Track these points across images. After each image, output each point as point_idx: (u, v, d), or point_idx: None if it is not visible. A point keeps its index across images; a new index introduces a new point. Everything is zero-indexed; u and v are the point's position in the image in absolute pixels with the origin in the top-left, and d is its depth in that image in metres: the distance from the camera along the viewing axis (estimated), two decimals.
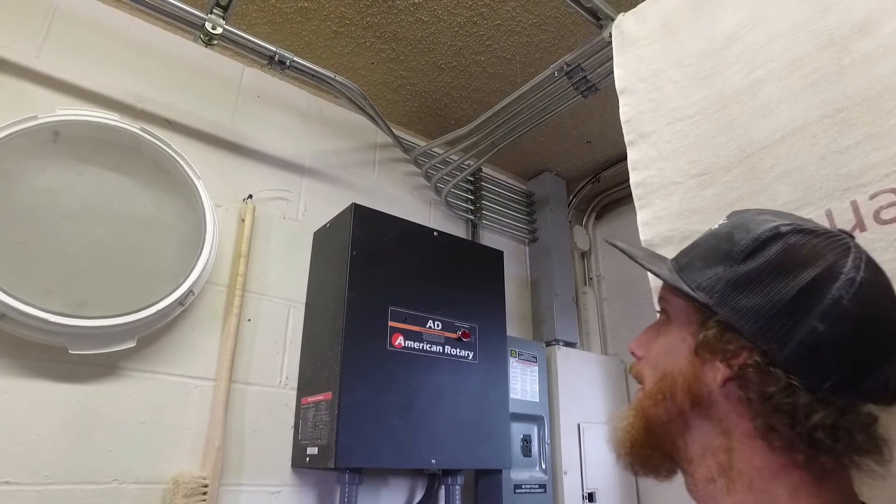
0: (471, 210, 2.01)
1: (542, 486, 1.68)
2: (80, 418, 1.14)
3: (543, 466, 1.71)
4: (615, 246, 0.70)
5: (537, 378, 1.76)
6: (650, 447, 0.60)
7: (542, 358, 1.81)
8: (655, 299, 0.69)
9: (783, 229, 0.54)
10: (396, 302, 1.36)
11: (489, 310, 1.56)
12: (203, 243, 1.28)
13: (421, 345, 1.36)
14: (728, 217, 0.63)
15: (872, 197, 0.76)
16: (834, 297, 0.50)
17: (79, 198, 1.18)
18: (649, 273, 0.68)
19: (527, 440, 1.69)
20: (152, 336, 1.24)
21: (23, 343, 1.08)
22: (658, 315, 0.67)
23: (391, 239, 1.43)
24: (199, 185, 1.32)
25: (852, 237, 0.55)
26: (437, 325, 1.41)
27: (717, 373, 0.54)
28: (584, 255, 2.35)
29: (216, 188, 1.38)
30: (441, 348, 1.40)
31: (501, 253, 1.68)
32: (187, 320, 1.30)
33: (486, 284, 1.59)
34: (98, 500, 1.12)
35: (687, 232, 0.98)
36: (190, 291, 1.24)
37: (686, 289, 0.57)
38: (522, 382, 1.72)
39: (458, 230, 1.95)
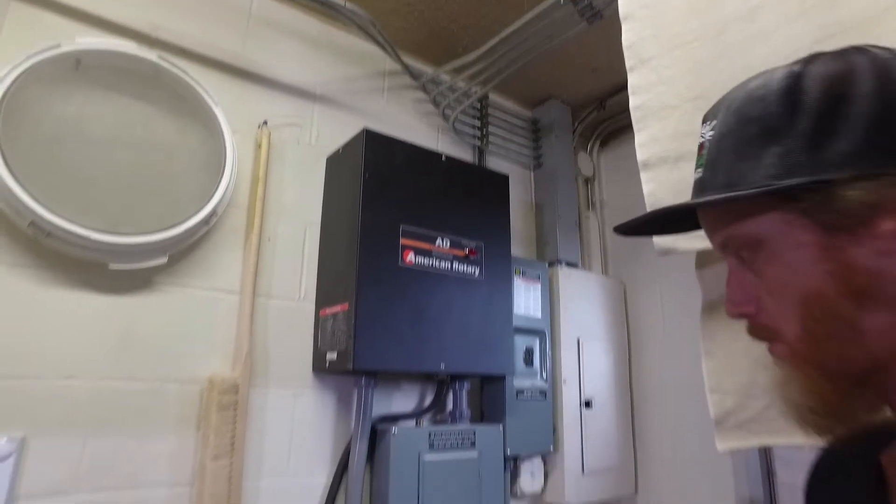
0: (477, 136, 2.06)
1: (543, 393, 1.82)
2: (123, 326, 1.26)
3: (544, 376, 1.85)
4: (626, 230, 0.60)
5: (540, 295, 1.87)
6: (839, 394, 0.46)
7: (545, 277, 1.91)
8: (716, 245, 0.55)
9: (791, 68, 0.48)
10: (407, 221, 1.45)
11: (495, 230, 1.64)
12: (224, 167, 1.36)
13: (430, 261, 1.46)
14: (707, 122, 0.55)
15: None
16: None
17: (104, 125, 1.24)
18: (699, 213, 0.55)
19: (529, 352, 1.82)
20: (182, 253, 1.35)
21: (68, 260, 1.19)
22: (733, 265, 0.52)
23: (401, 162, 1.51)
24: (218, 111, 1.38)
25: (856, 46, 0.49)
26: (446, 244, 1.51)
27: (875, 240, 0.43)
28: (588, 181, 2.41)
29: (231, 115, 1.44)
30: (449, 265, 1.50)
31: (507, 177, 1.75)
32: (212, 239, 1.40)
33: (492, 206, 1.67)
34: (145, 396, 1.26)
35: (681, 152, 1.04)
36: (214, 212, 1.33)
37: (764, 189, 0.46)
38: (526, 299, 1.83)
39: (465, 155, 2.01)
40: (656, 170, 1.05)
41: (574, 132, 2.33)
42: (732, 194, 0.48)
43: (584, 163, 2.37)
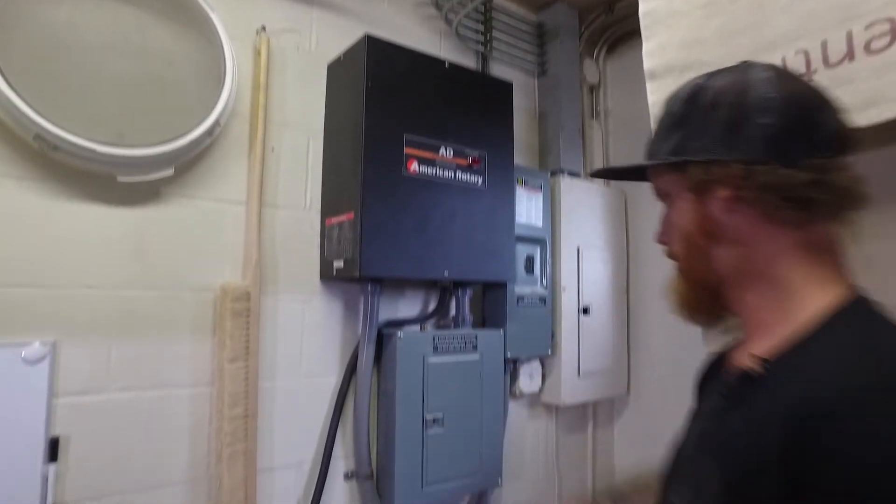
0: (481, 41, 2.00)
1: (543, 299, 1.89)
2: (135, 237, 1.30)
3: (544, 283, 1.91)
4: (600, 175, 0.87)
5: (541, 204, 1.90)
6: (700, 300, 0.71)
7: (547, 186, 1.93)
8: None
9: (697, 81, 0.69)
10: (411, 130, 1.45)
11: (498, 139, 1.64)
12: (224, 76, 1.34)
13: (434, 170, 1.47)
14: (667, 102, 0.73)
15: (868, 27, 0.80)
16: (762, 95, 0.63)
17: (98, 32, 1.21)
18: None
19: (530, 260, 1.87)
20: (187, 164, 1.35)
21: (77, 173, 1.21)
22: (662, 208, 0.75)
23: (404, 70, 1.48)
24: (214, 16, 1.34)
25: (749, 61, 0.69)
26: (449, 153, 1.51)
27: (720, 201, 0.65)
28: (593, 89, 2.35)
29: (228, 20, 1.39)
30: (453, 174, 1.51)
31: (511, 84, 1.72)
32: (217, 150, 1.41)
33: (496, 115, 1.66)
34: (161, 303, 1.32)
35: (688, 62, 1.03)
36: (217, 123, 1.33)
37: (665, 161, 0.70)
38: (528, 208, 1.85)
39: (468, 62, 1.96)
40: (662, 80, 1.04)
41: (580, 37, 2.25)
42: (649, 162, 0.73)
43: (590, 69, 2.31)
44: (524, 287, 1.84)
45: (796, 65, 0.85)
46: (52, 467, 1.17)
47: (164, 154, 1.23)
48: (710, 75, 0.69)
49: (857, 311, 0.61)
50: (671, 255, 0.74)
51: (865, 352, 0.56)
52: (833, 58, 0.80)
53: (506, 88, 1.71)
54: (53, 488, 1.17)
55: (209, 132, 1.32)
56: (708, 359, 0.82)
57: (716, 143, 0.64)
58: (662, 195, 0.74)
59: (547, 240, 1.91)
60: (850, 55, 0.81)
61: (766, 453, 0.54)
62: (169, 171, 1.28)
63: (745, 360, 0.64)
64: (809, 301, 0.62)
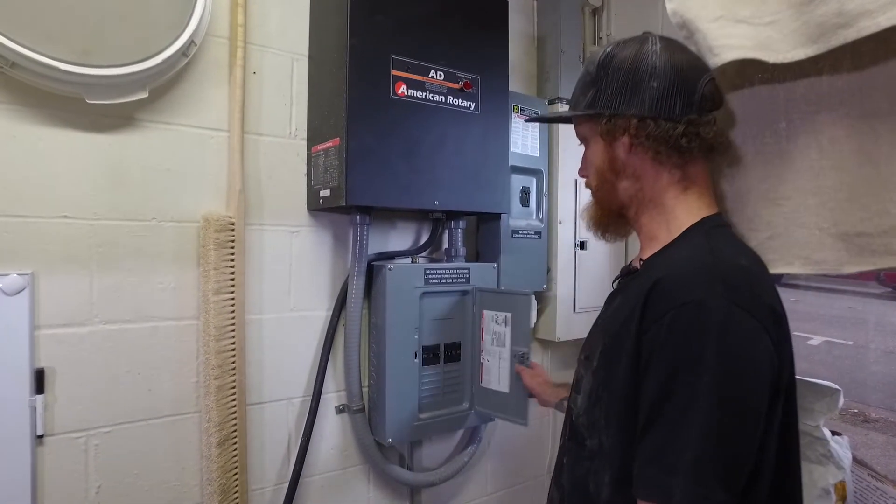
0: None
1: (538, 233, 1.84)
2: (111, 165, 1.24)
3: (540, 216, 1.85)
4: (535, 120, 1.11)
5: (538, 134, 1.82)
6: (608, 218, 0.95)
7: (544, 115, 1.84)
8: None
9: (607, 50, 0.88)
10: (398, 51, 1.36)
11: (492, 61, 1.55)
12: None
13: (424, 94, 1.40)
14: (587, 61, 0.93)
15: None
16: (651, 64, 0.84)
17: None
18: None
19: (525, 192, 1.81)
20: (163, 88, 1.28)
21: (43, 93, 1.13)
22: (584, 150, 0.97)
23: None
24: None
25: (650, 33, 0.88)
26: (440, 76, 1.43)
27: (622, 146, 0.87)
28: (596, 12, 2.22)
29: None
30: (443, 98, 1.43)
31: (506, 2, 1.61)
32: (193, 73, 1.33)
33: (489, 35, 1.56)
34: (143, 234, 1.27)
35: None
36: (191, 41, 1.24)
37: (583, 113, 0.91)
38: (523, 137, 1.78)
39: None
40: None
41: None
42: (570, 114, 0.95)
43: None
44: (519, 220, 1.79)
45: None
46: (39, 399, 1.16)
47: (136, 74, 1.15)
48: (617, 44, 0.88)
49: (705, 227, 0.85)
50: (588, 186, 0.96)
51: (696, 250, 0.80)
52: None
53: (501, 6, 1.60)
54: (42, 419, 1.16)
55: (184, 52, 1.24)
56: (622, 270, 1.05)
57: (618, 101, 0.86)
58: (582, 138, 0.96)
59: (543, 171, 1.84)
60: None
61: (628, 318, 0.77)
62: (142, 94, 1.21)
63: (636, 263, 0.92)
64: (682, 221, 0.86)
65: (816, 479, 1.18)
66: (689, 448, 0.67)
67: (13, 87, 1.12)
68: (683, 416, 0.68)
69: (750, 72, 0.97)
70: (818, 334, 6.71)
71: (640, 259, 0.91)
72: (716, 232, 0.84)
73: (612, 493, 0.78)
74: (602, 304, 0.99)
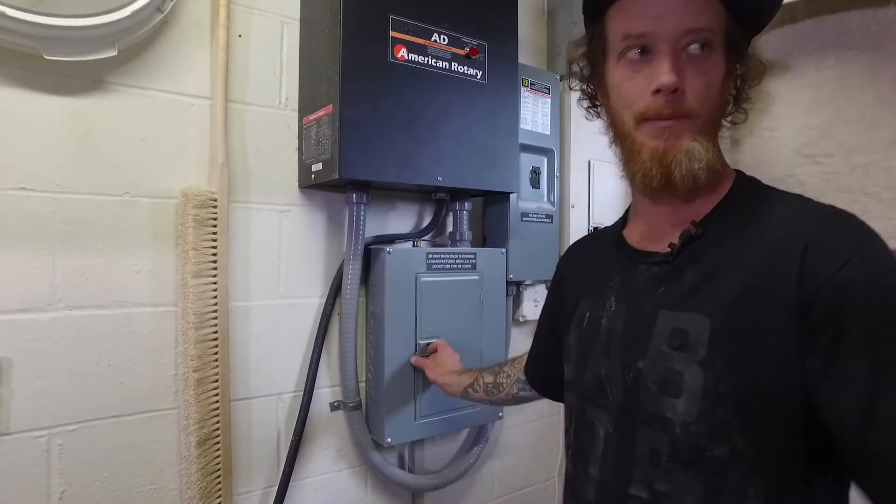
0: None
1: (549, 216, 1.71)
2: (77, 132, 1.11)
3: (551, 199, 1.72)
4: None
5: (549, 110, 1.69)
6: (717, 165, 0.69)
7: (556, 90, 1.71)
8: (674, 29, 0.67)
9: None
10: (398, 11, 1.23)
11: (500, 27, 1.41)
12: None
13: (426, 59, 1.26)
14: None
15: None
16: None
17: None
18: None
19: (536, 172, 1.68)
20: (135, 49, 1.15)
21: None
22: (687, 47, 0.67)
23: None
24: None
25: None
26: (444, 40, 1.29)
27: (734, 76, 0.71)
28: None
29: None
30: (448, 64, 1.30)
31: None
32: (171, 33, 1.20)
33: None
34: (114, 210, 1.14)
35: None
36: None
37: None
38: (534, 113, 1.65)
39: None
40: None
41: None
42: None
43: None
44: (529, 202, 1.66)
45: None
46: None
47: (100, 28, 1.02)
48: None
49: (749, 180, 0.73)
50: (682, 110, 0.66)
51: (797, 200, 0.67)
52: None
53: None
54: None
55: (158, 6, 1.11)
56: (578, 249, 0.96)
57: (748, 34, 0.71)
58: (703, 38, 0.66)
59: (555, 151, 1.71)
60: None
61: (759, 287, 0.61)
62: (111, 52, 1.08)
63: (675, 233, 0.71)
64: (719, 180, 0.71)
65: None
66: None
67: None
68: None
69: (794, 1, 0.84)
70: None
71: (691, 225, 0.70)
72: (764, 187, 0.72)
73: None
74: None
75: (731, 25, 0.67)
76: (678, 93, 0.65)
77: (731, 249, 0.65)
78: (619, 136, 0.73)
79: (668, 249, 0.70)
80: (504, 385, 1.15)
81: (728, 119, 0.75)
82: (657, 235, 0.74)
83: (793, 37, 0.88)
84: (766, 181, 0.73)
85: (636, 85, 0.67)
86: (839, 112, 0.84)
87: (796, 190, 0.83)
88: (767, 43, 0.90)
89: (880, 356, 0.54)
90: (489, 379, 1.18)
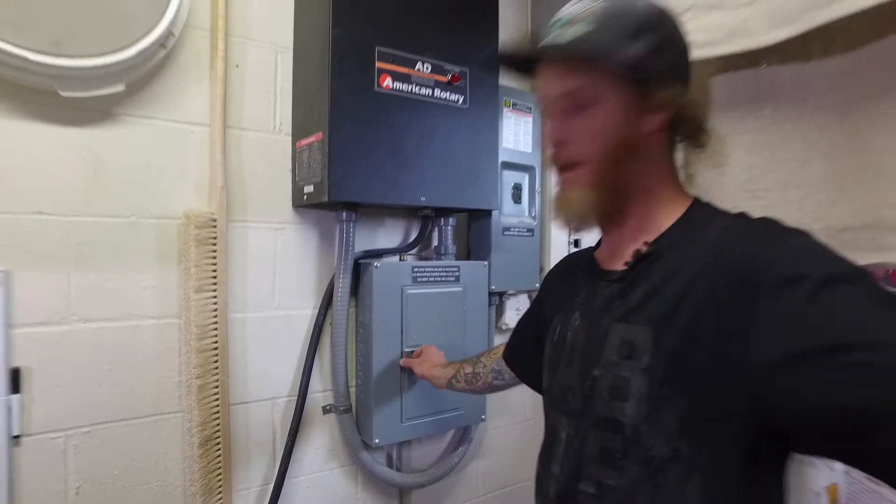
0: None
1: (531, 230, 1.81)
2: (88, 160, 1.21)
3: (532, 213, 1.82)
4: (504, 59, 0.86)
5: (531, 129, 1.79)
6: (605, 206, 0.77)
7: (537, 109, 1.81)
8: (551, 95, 0.77)
9: (656, 6, 0.73)
10: (384, 42, 1.33)
11: (481, 54, 1.51)
12: None
13: (410, 87, 1.36)
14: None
15: None
16: (685, 42, 0.74)
17: None
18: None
19: (517, 188, 1.78)
20: (141, 82, 1.25)
21: (14, 86, 1.11)
22: (561, 107, 0.76)
23: None
24: None
25: None
26: (427, 68, 1.39)
27: (651, 123, 0.73)
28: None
29: None
30: (431, 91, 1.40)
31: None
32: (173, 66, 1.30)
33: (479, 27, 1.52)
34: (122, 231, 1.25)
35: None
36: (169, 32, 1.21)
37: (626, 60, 0.70)
38: (515, 132, 1.75)
39: None
40: None
41: None
42: (604, 60, 0.72)
43: None
44: (511, 217, 1.76)
45: None
46: (15, 398, 1.13)
47: (109, 66, 1.13)
48: (662, 8, 0.74)
49: (705, 206, 0.77)
50: (568, 160, 0.76)
51: (732, 217, 0.72)
52: None
53: None
54: (18, 419, 1.14)
55: (161, 43, 1.21)
56: (558, 268, 1.02)
57: (669, 73, 0.72)
58: (577, 97, 0.74)
59: (536, 167, 1.81)
60: None
61: (689, 296, 0.66)
62: (119, 87, 1.18)
63: (629, 253, 0.77)
64: (671, 208, 0.76)
65: (809, 481, 1.14)
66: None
67: None
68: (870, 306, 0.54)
69: (734, 55, 0.94)
70: None
71: (643, 244, 0.75)
72: (714, 208, 0.77)
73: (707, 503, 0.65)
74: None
75: (624, 75, 0.72)
76: (563, 145, 0.75)
77: (672, 265, 0.70)
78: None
79: (624, 268, 0.77)
80: (481, 374, 1.26)
81: (680, 141, 0.80)
82: (618, 256, 0.80)
83: (735, 84, 0.98)
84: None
85: (544, 139, 0.80)
86: (775, 153, 0.93)
87: None
88: (714, 88, 1.00)
89: (826, 327, 0.54)
90: (469, 369, 1.29)
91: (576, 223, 0.79)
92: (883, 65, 0.80)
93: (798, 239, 0.62)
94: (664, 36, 0.72)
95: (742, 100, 0.96)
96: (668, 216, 0.76)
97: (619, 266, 0.78)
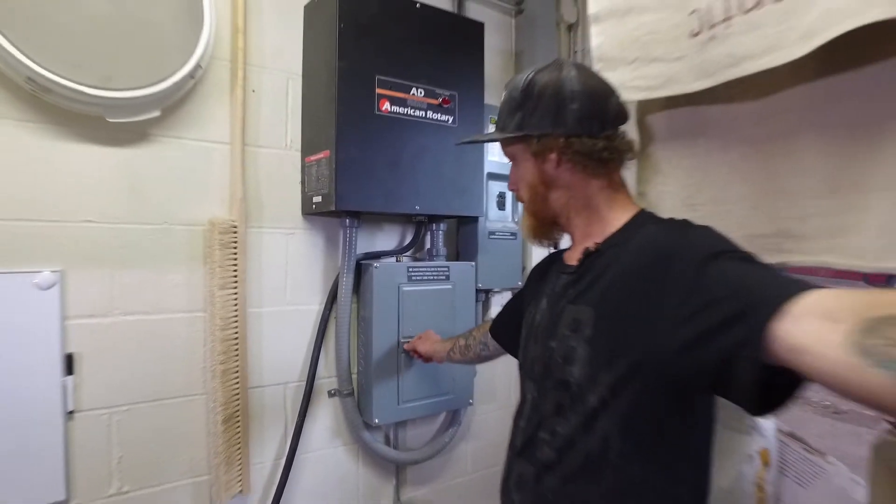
0: None
1: (514, 234, 2.01)
2: (128, 175, 1.40)
3: (515, 219, 2.02)
4: (467, 142, 1.21)
5: None
6: (544, 227, 1.04)
7: None
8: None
9: (528, 75, 0.96)
10: (383, 71, 1.53)
11: (469, 79, 1.72)
12: (203, 17, 1.40)
13: (406, 110, 1.57)
14: (505, 89, 1.02)
15: None
16: (571, 89, 0.93)
17: None
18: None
19: (502, 196, 1.98)
20: (173, 106, 1.45)
21: (70, 114, 1.30)
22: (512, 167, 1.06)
23: (376, 12, 1.54)
24: None
25: (564, 59, 0.98)
26: (420, 93, 1.60)
27: (551, 162, 0.96)
28: (571, 28, 2.39)
29: None
30: (424, 113, 1.60)
31: (482, 24, 1.78)
32: (199, 92, 1.49)
33: (467, 55, 1.73)
34: (156, 236, 1.44)
35: (629, 6, 1.12)
36: (198, 65, 1.41)
37: (513, 135, 0.98)
38: (500, 147, 1.94)
39: (444, 2, 2.00)
40: (605, 23, 1.13)
41: None
42: (501, 136, 1.02)
43: (567, 8, 2.34)
44: (496, 222, 1.96)
45: (719, 10, 0.95)
46: (69, 379, 1.33)
47: (150, 96, 1.32)
48: (536, 71, 0.96)
49: (646, 215, 0.97)
50: (519, 199, 1.06)
51: (663, 223, 0.92)
52: (749, 4, 0.90)
53: (477, 29, 1.77)
54: (72, 397, 1.33)
55: (191, 74, 1.40)
56: (539, 264, 1.20)
57: (545, 123, 0.94)
58: (511, 157, 1.05)
59: None
60: (759, 3, 0.90)
61: (624, 278, 0.86)
62: (156, 113, 1.38)
63: (580, 252, 0.98)
64: (620, 215, 0.97)
65: (744, 447, 1.35)
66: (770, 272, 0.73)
67: (46, 109, 1.28)
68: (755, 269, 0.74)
69: (677, 95, 1.15)
70: None
71: (593, 244, 0.96)
72: (654, 216, 0.97)
73: (623, 442, 0.84)
74: None
75: (516, 139, 0.99)
76: (515, 187, 1.06)
77: (612, 259, 0.91)
78: None
79: (577, 262, 0.98)
80: (472, 346, 1.48)
81: (602, 161, 0.99)
82: (576, 254, 1.01)
83: (675, 120, 1.19)
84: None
85: None
86: (707, 175, 1.14)
87: None
88: (657, 124, 1.21)
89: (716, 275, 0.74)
90: (462, 342, 1.51)
91: (533, 240, 1.07)
92: (786, 108, 1.01)
93: (700, 231, 0.84)
94: (534, 100, 0.95)
95: (682, 132, 1.17)
96: (615, 223, 0.97)
97: (575, 262, 0.99)
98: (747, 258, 0.76)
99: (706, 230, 0.84)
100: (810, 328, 0.61)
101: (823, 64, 0.90)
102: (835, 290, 0.63)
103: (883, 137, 0.83)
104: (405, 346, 1.69)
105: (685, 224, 0.88)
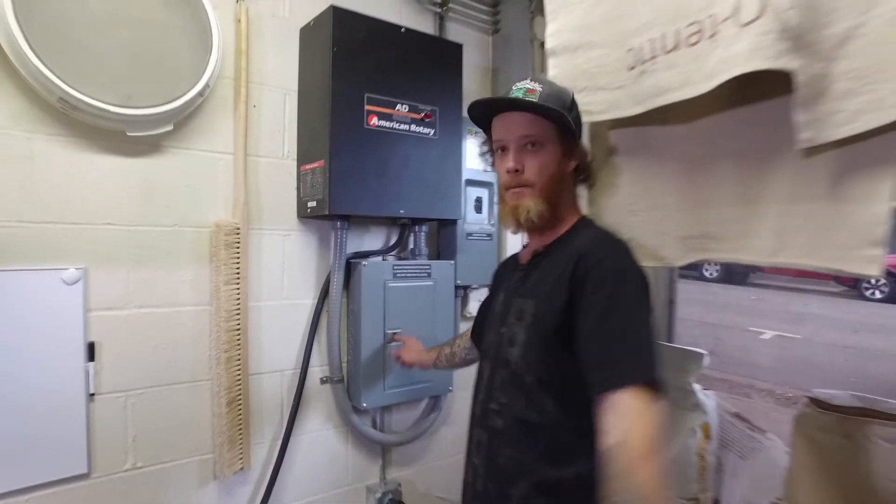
0: (438, 2, 2.21)
1: (490, 235, 2.20)
2: (143, 182, 1.57)
3: (492, 221, 2.21)
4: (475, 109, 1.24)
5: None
6: (551, 212, 1.12)
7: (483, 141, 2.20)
8: (516, 135, 1.13)
9: (570, 93, 1.15)
10: (371, 89, 1.71)
11: (448, 96, 1.90)
12: (211, 43, 1.57)
13: (391, 124, 1.75)
14: (539, 83, 1.11)
15: (688, 25, 1.08)
16: (579, 112, 1.17)
17: (101, 4, 1.42)
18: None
19: (479, 201, 2.17)
20: (183, 121, 1.61)
21: (94, 129, 1.47)
22: (526, 145, 1.12)
23: (365, 36, 1.72)
24: None
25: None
26: (405, 108, 1.78)
27: (571, 165, 1.14)
28: (544, 46, 2.59)
29: None
30: (408, 127, 1.79)
31: (461, 46, 1.96)
32: (207, 108, 1.66)
33: (447, 74, 1.91)
34: (168, 237, 1.61)
35: (579, 43, 1.31)
36: (207, 85, 1.58)
37: (571, 121, 1.09)
38: (477, 156, 2.13)
39: (427, 23, 2.18)
40: (560, 57, 1.32)
41: None
42: (567, 114, 1.09)
43: (541, 27, 2.52)
44: (473, 224, 2.15)
45: (647, 49, 1.14)
46: (91, 365, 1.49)
47: (165, 112, 1.49)
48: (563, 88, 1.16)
49: (586, 221, 1.16)
50: (522, 181, 1.11)
51: (598, 231, 1.11)
52: (669, 46, 1.09)
53: (456, 50, 1.95)
54: (93, 381, 1.49)
55: (201, 93, 1.57)
56: (502, 264, 1.38)
57: (579, 133, 1.15)
58: (537, 138, 1.10)
59: (494, 184, 2.20)
60: (676, 46, 1.09)
61: (559, 278, 1.04)
62: (169, 127, 1.55)
63: (531, 252, 1.17)
64: (572, 219, 1.16)
65: (688, 422, 1.55)
66: (639, 335, 0.95)
67: (73, 125, 1.45)
68: (629, 315, 0.97)
69: (621, 118, 1.34)
70: (772, 329, 7.21)
71: (542, 246, 1.16)
72: (593, 223, 1.18)
73: (558, 411, 1.04)
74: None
75: (561, 132, 1.10)
76: (519, 172, 1.10)
77: (554, 260, 1.10)
78: (499, 197, 1.23)
79: (527, 262, 1.19)
80: (457, 353, 1.65)
81: (582, 180, 1.23)
82: (530, 254, 1.20)
83: (622, 137, 1.38)
84: (607, 224, 1.21)
85: (501, 168, 1.16)
86: (647, 186, 1.33)
87: (623, 231, 1.29)
88: (607, 142, 1.40)
89: (607, 299, 0.97)
90: (447, 350, 1.67)
91: (526, 223, 1.12)
92: (709, 130, 1.21)
93: (617, 248, 1.06)
94: (577, 113, 1.15)
95: (627, 148, 1.37)
96: (564, 227, 1.15)
97: (526, 261, 1.20)
98: (635, 302, 0.99)
99: (620, 248, 1.06)
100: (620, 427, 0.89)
101: (735, 97, 1.11)
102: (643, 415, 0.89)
103: (774, 159, 1.03)
104: (393, 355, 1.84)
105: (606, 237, 1.09)
